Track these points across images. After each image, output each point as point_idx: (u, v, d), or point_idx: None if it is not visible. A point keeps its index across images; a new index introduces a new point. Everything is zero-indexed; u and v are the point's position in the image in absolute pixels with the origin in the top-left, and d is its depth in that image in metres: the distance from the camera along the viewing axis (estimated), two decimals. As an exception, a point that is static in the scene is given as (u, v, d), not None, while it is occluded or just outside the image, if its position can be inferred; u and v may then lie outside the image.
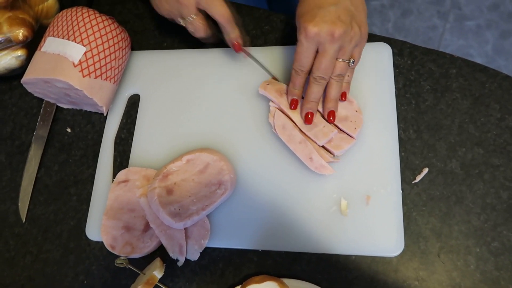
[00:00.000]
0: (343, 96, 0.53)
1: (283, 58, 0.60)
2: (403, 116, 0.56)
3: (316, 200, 0.52)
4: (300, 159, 0.53)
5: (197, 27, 0.56)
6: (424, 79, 0.57)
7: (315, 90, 0.51)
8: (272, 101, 0.55)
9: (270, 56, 0.60)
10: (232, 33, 0.56)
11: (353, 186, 0.52)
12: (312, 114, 0.52)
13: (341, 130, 0.53)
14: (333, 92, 0.52)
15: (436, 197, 0.52)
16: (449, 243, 0.50)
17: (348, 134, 0.53)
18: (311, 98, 0.52)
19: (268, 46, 0.62)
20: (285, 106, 0.54)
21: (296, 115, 0.54)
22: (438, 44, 1.50)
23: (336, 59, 0.49)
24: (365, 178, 0.52)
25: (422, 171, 0.53)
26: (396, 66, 0.58)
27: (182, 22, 0.56)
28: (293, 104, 0.53)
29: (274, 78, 0.59)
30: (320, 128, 0.53)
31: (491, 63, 1.46)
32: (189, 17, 0.55)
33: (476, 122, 0.54)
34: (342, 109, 0.54)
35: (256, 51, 0.61)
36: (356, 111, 0.54)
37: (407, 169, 0.53)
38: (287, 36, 0.63)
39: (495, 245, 0.49)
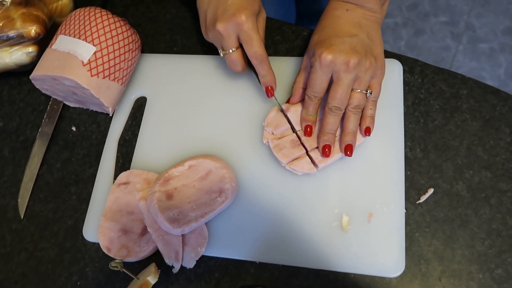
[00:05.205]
0: (367, 132, 0.51)
1: (293, 69, 0.60)
2: (411, 134, 0.55)
3: (317, 214, 0.52)
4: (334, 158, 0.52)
5: (235, 61, 0.53)
6: (434, 98, 0.56)
7: (331, 121, 0.50)
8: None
9: (280, 66, 0.60)
10: (265, 75, 0.54)
11: (355, 203, 0.51)
12: (329, 147, 0.50)
13: None
14: (351, 125, 0.50)
15: (441, 219, 0.51)
16: (451, 267, 0.49)
17: None
18: (328, 130, 0.50)
19: (278, 57, 0.61)
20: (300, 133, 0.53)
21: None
22: (450, 65, 1.49)
23: (352, 89, 0.49)
24: (369, 195, 0.51)
25: (427, 192, 0.52)
26: (406, 83, 0.57)
27: (221, 54, 0.54)
28: (307, 130, 0.52)
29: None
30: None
31: (503, 87, 1.45)
32: (229, 50, 0.53)
33: (485, 145, 0.53)
34: None
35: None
36: None
37: (412, 189, 0.52)
38: (298, 47, 0.62)
39: (499, 273, 0.48)
